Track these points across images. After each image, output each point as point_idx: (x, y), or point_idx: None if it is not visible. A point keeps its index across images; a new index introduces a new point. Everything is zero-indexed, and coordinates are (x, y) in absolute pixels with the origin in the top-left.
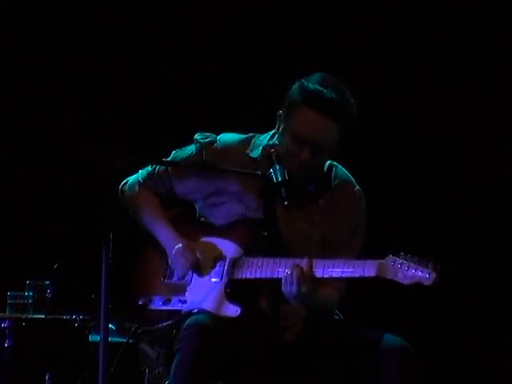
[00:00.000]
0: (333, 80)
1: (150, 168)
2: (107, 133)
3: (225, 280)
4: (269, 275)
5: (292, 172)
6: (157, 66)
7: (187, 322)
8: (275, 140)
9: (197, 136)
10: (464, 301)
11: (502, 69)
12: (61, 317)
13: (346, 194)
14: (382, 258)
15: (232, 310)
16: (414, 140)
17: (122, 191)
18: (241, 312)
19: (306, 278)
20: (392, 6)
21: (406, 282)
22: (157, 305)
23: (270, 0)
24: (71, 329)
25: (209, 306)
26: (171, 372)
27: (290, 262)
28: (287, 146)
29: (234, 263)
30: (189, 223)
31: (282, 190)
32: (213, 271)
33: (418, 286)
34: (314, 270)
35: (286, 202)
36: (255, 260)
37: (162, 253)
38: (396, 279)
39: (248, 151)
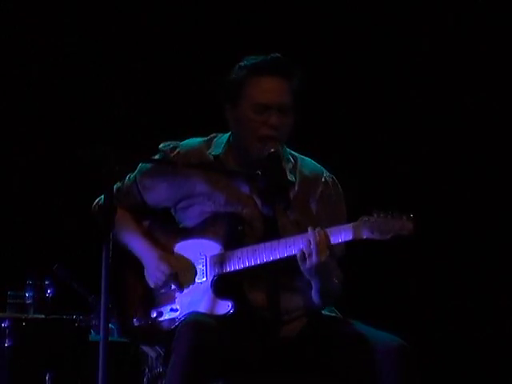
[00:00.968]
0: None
1: (118, 184)
2: (107, 133)
3: (210, 278)
4: (249, 264)
5: (275, 154)
6: (157, 65)
7: (182, 320)
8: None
9: (160, 146)
10: (464, 300)
11: (502, 68)
12: (61, 317)
13: (318, 183)
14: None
15: (223, 306)
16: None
17: (94, 212)
18: (232, 306)
19: (322, 247)
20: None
21: (383, 237)
22: (151, 320)
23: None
24: (71, 329)
25: (201, 307)
26: (167, 371)
27: (269, 246)
28: (252, 121)
29: (215, 260)
30: (163, 232)
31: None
32: (196, 273)
33: (398, 239)
34: (328, 237)
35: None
36: (234, 252)
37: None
38: (373, 237)
39: (210, 151)
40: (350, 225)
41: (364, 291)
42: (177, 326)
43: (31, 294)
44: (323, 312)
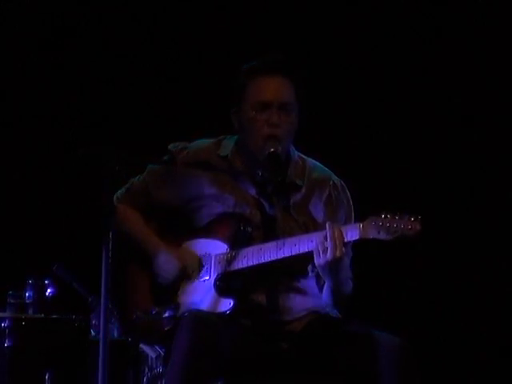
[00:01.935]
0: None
1: (127, 184)
2: (107, 133)
3: (213, 277)
4: (255, 262)
5: (275, 153)
6: (157, 65)
7: (184, 315)
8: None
9: (169, 146)
10: (464, 300)
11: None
12: (61, 317)
13: (325, 186)
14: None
15: (225, 304)
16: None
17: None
18: (234, 304)
19: (338, 243)
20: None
21: (389, 238)
22: (151, 316)
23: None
24: (71, 329)
25: (202, 305)
26: (168, 365)
27: (270, 246)
28: (254, 121)
29: (220, 259)
30: (170, 232)
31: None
32: (201, 271)
33: (404, 241)
34: (344, 234)
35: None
36: (240, 251)
37: (149, 262)
38: (379, 237)
39: (218, 152)
40: (357, 224)
41: (365, 291)
42: (177, 323)
43: (31, 293)
44: (324, 312)
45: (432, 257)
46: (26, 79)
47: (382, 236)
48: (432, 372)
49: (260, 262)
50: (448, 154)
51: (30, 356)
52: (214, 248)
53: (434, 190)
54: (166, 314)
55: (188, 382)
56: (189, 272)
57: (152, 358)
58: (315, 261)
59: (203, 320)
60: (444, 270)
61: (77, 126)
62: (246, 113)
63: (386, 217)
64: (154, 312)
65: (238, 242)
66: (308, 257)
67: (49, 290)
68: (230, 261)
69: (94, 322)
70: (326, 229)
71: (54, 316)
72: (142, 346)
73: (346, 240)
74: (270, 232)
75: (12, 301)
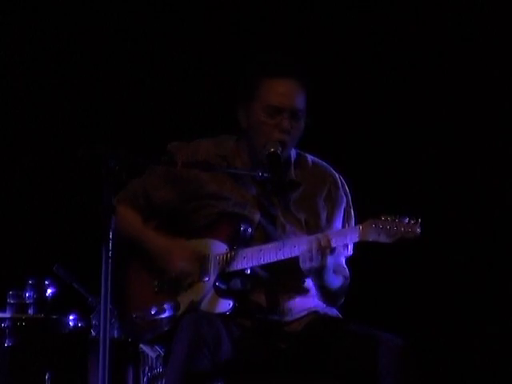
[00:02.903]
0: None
1: (128, 185)
2: (107, 133)
3: (213, 277)
4: (255, 263)
5: (275, 154)
6: (160, 65)
7: (184, 315)
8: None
9: (168, 146)
10: (465, 300)
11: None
12: (61, 317)
13: (326, 183)
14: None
15: (224, 305)
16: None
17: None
18: (234, 305)
19: (324, 250)
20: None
21: (389, 240)
22: (151, 316)
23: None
24: (71, 329)
25: (202, 305)
26: (169, 363)
27: (274, 246)
28: (264, 124)
29: (220, 259)
30: (170, 232)
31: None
32: (201, 271)
33: (403, 243)
34: (331, 241)
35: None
36: (240, 252)
37: (149, 263)
38: (379, 240)
39: (218, 151)
40: (357, 227)
41: (365, 291)
42: (177, 323)
43: (31, 293)
44: (325, 312)
45: (432, 257)
46: (26, 79)
47: (382, 239)
48: (432, 372)
49: (260, 263)
50: (448, 155)
51: (29, 356)
52: (213, 248)
53: (435, 190)
54: (166, 314)
55: (188, 382)
56: (190, 268)
57: (152, 358)
58: (300, 265)
59: (203, 320)
60: (444, 270)
61: (77, 125)
62: (256, 113)
63: (385, 219)
64: (153, 312)
65: (237, 243)
66: None
67: (49, 290)
68: (229, 261)
69: (94, 322)
70: (324, 227)
71: (54, 316)
72: (141, 346)
73: (346, 242)
74: (271, 231)
75: (12, 301)
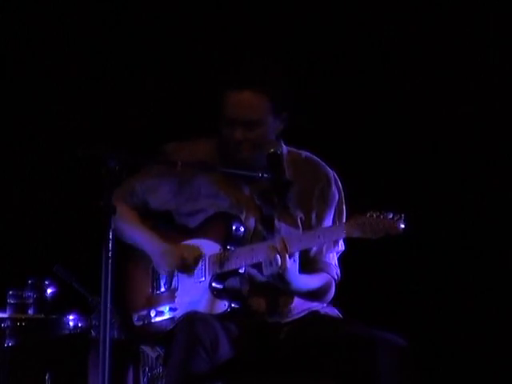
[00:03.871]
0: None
1: (123, 184)
2: (107, 133)
3: (208, 278)
4: (248, 262)
5: (275, 154)
6: (157, 65)
7: (182, 316)
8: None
9: (164, 146)
10: (465, 300)
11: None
12: (61, 317)
13: (319, 180)
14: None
15: (221, 306)
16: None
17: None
18: (230, 306)
19: (282, 255)
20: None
21: (374, 236)
22: (150, 319)
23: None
24: (71, 328)
25: (199, 306)
26: (168, 364)
27: (261, 246)
28: (224, 134)
29: (214, 259)
30: (166, 232)
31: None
32: (196, 272)
33: (388, 238)
34: (287, 245)
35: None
36: (233, 252)
37: (146, 265)
38: (364, 236)
39: (215, 152)
40: (343, 224)
41: (365, 291)
42: (176, 325)
43: (31, 293)
44: (325, 312)
45: (432, 257)
46: (26, 79)
47: (368, 235)
48: (432, 372)
49: (252, 262)
50: (438, 150)
51: (30, 356)
52: (207, 248)
53: (432, 188)
54: (165, 316)
55: (187, 383)
56: (186, 268)
57: (152, 358)
58: (263, 270)
59: (199, 322)
60: (444, 270)
61: (77, 125)
62: (221, 124)
63: (371, 216)
64: (153, 315)
65: (231, 242)
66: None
67: (49, 290)
68: (222, 261)
69: (94, 322)
70: (314, 225)
71: (54, 316)
72: (142, 346)
73: (332, 239)
74: (268, 231)
75: (12, 301)
